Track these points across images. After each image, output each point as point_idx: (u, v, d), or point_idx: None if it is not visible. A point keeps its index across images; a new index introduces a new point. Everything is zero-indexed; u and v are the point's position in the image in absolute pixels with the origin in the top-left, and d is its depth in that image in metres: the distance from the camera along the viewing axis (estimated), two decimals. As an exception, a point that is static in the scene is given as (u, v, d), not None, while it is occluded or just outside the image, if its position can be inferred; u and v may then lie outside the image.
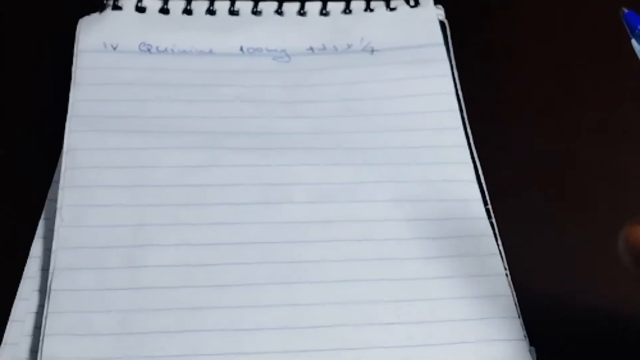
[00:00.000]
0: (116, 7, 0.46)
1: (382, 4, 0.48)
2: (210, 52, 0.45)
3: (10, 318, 0.35)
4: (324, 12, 0.47)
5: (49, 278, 0.35)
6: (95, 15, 0.45)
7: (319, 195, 0.39)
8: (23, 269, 0.36)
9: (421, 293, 0.36)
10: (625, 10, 0.29)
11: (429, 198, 0.39)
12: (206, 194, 0.39)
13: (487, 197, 0.39)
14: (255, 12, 0.47)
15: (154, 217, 0.38)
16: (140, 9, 0.46)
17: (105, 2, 0.46)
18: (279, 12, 0.47)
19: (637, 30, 0.29)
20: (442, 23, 0.47)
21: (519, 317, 0.35)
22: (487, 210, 0.39)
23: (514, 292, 0.36)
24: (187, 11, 0.46)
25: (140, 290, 0.35)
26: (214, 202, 0.39)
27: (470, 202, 0.39)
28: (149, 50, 0.44)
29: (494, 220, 0.38)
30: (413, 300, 0.35)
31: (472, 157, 0.41)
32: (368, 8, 0.47)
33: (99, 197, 0.38)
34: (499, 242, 0.38)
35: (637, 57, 0.29)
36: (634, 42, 0.29)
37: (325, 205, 0.39)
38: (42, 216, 0.38)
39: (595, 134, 0.43)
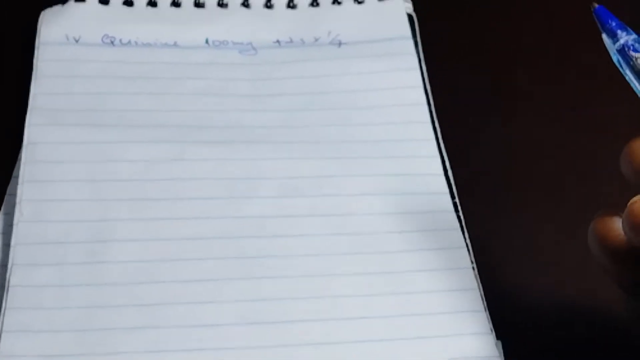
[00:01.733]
0: (79, -1, 0.45)
1: (350, -4, 0.47)
2: (175, 44, 0.44)
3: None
4: (291, 5, 0.47)
5: (7, 273, 0.34)
6: (58, 7, 0.45)
7: (287, 189, 0.39)
8: (-19, 265, 0.35)
9: (388, 287, 0.35)
10: (596, 6, 0.29)
11: (396, 192, 0.39)
12: (171, 188, 0.38)
13: (455, 191, 0.39)
14: (221, 4, 0.46)
15: (117, 212, 0.37)
16: (104, 1, 0.45)
17: (68, -7, 0.45)
18: (245, 4, 0.46)
19: (607, 25, 0.28)
20: (410, 16, 0.46)
21: (486, 310, 0.35)
22: (455, 204, 0.38)
23: (480, 286, 0.35)
24: (152, 3, 0.46)
25: (102, 286, 0.35)
26: (179, 197, 0.38)
27: (437, 195, 0.39)
28: (112, 42, 0.44)
29: (461, 214, 0.38)
30: (380, 294, 0.35)
31: (440, 151, 0.41)
32: (336, 1, 0.47)
33: (60, 191, 0.37)
34: (466, 235, 0.37)
35: (609, 52, 0.29)
36: (604, 37, 0.29)
37: (292, 199, 0.38)
38: (1, 211, 0.37)
39: (564, 126, 0.43)
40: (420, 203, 0.39)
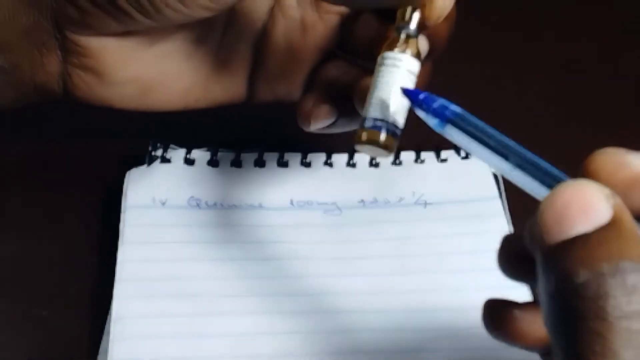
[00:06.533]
0: (165, 160, 0.45)
1: (432, 154, 0.46)
2: (260, 206, 0.44)
3: None
4: (373, 163, 0.46)
5: None
6: (143, 168, 0.44)
7: None
8: None
9: None
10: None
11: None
12: None
13: None
14: (304, 163, 0.46)
15: None
16: (189, 162, 0.45)
17: (152, 153, 0.45)
18: (328, 163, 0.46)
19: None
20: (495, 176, 0.46)
21: None
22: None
23: None
24: (236, 163, 0.45)
25: None
26: None
27: None
28: (198, 205, 0.43)
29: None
30: None
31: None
32: (418, 159, 0.46)
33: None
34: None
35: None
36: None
37: None
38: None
39: None
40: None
